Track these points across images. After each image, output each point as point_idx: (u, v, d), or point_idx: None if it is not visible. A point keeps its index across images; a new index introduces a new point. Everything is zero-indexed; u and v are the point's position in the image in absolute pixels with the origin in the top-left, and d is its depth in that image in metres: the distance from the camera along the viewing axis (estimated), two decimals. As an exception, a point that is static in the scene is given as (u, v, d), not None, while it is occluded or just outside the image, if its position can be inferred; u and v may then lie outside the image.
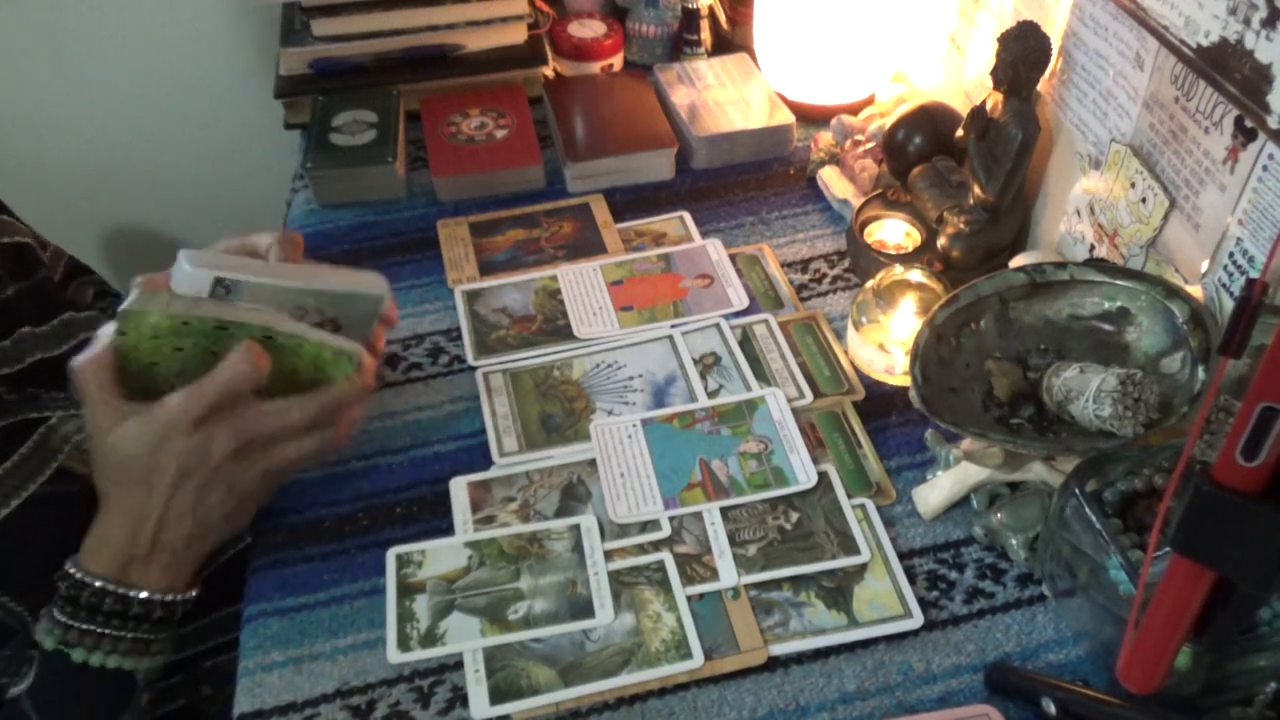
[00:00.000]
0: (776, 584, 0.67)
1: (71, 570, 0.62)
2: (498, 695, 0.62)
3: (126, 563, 0.62)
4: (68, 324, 0.74)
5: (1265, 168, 0.62)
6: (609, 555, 0.69)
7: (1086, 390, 0.65)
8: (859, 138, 1.01)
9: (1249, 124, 0.62)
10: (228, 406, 0.63)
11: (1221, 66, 0.62)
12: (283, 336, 0.66)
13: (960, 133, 0.86)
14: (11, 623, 0.64)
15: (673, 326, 0.85)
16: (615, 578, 0.67)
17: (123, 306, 0.63)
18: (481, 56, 1.11)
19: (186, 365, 0.66)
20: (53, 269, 0.83)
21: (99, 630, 0.61)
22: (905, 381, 0.77)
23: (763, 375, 0.81)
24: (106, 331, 0.64)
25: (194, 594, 0.65)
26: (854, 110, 1.06)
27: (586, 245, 0.94)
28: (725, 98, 1.07)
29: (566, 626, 0.65)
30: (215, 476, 0.63)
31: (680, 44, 1.17)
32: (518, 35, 1.11)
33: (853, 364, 0.82)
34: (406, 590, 0.67)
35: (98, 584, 0.61)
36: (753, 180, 1.02)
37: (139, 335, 0.64)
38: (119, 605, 0.61)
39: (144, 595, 0.62)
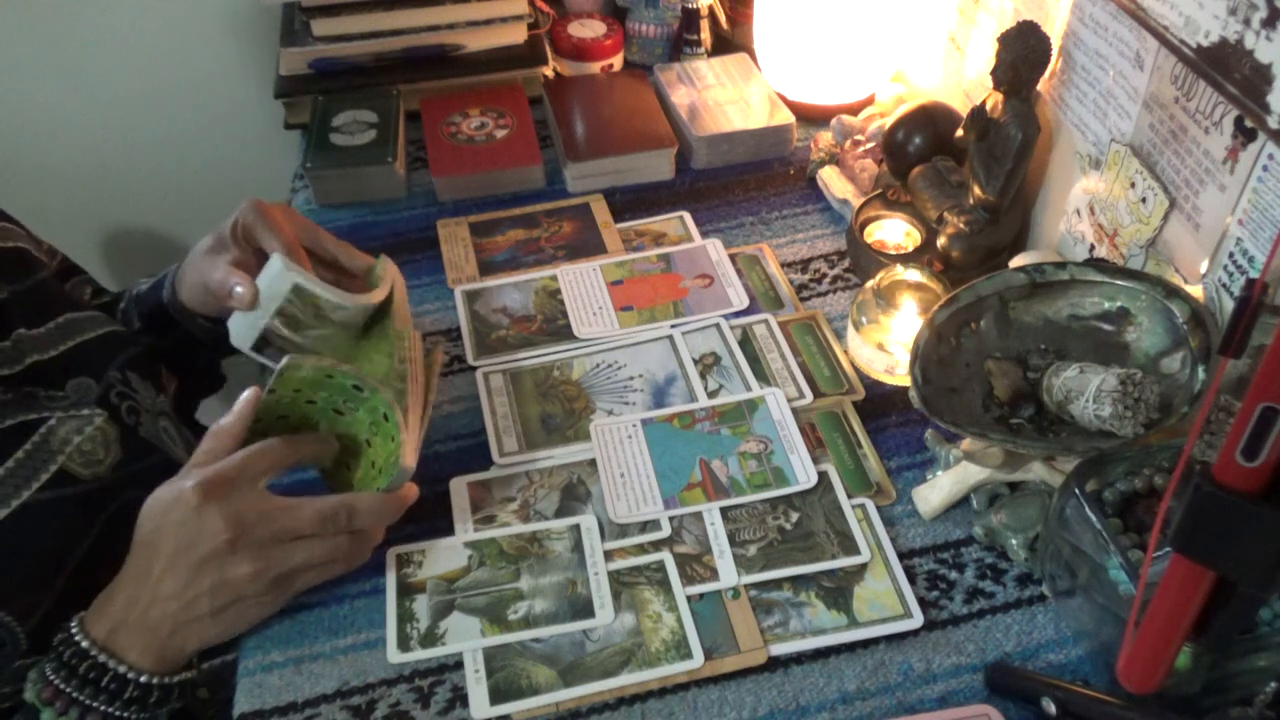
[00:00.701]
0: (776, 584, 0.67)
1: (73, 625, 0.60)
2: (498, 695, 0.62)
3: (115, 628, 0.60)
4: (65, 325, 0.74)
5: (1265, 168, 0.62)
6: (609, 555, 0.69)
7: (1086, 390, 0.65)
8: (859, 138, 1.01)
9: (1249, 124, 0.62)
10: (239, 488, 0.61)
11: (1221, 66, 0.62)
12: (389, 426, 0.67)
13: (960, 133, 0.86)
14: (0, 633, 0.63)
15: (673, 326, 0.85)
16: (615, 578, 0.67)
17: (280, 365, 0.64)
18: (481, 56, 1.11)
19: (310, 418, 0.68)
20: (53, 270, 0.83)
21: (72, 694, 0.58)
22: (905, 381, 0.77)
23: (763, 375, 0.81)
24: (247, 396, 0.66)
25: (175, 680, 0.61)
26: (854, 110, 1.06)
27: (586, 245, 0.94)
28: (725, 98, 1.07)
29: (566, 626, 0.65)
30: (210, 561, 0.60)
31: (680, 44, 1.17)
32: (518, 35, 1.11)
33: (853, 364, 0.82)
34: (406, 590, 0.67)
35: (83, 644, 0.59)
36: (753, 180, 1.02)
37: (285, 389, 0.66)
38: (93, 674, 0.59)
39: (120, 670, 0.59)
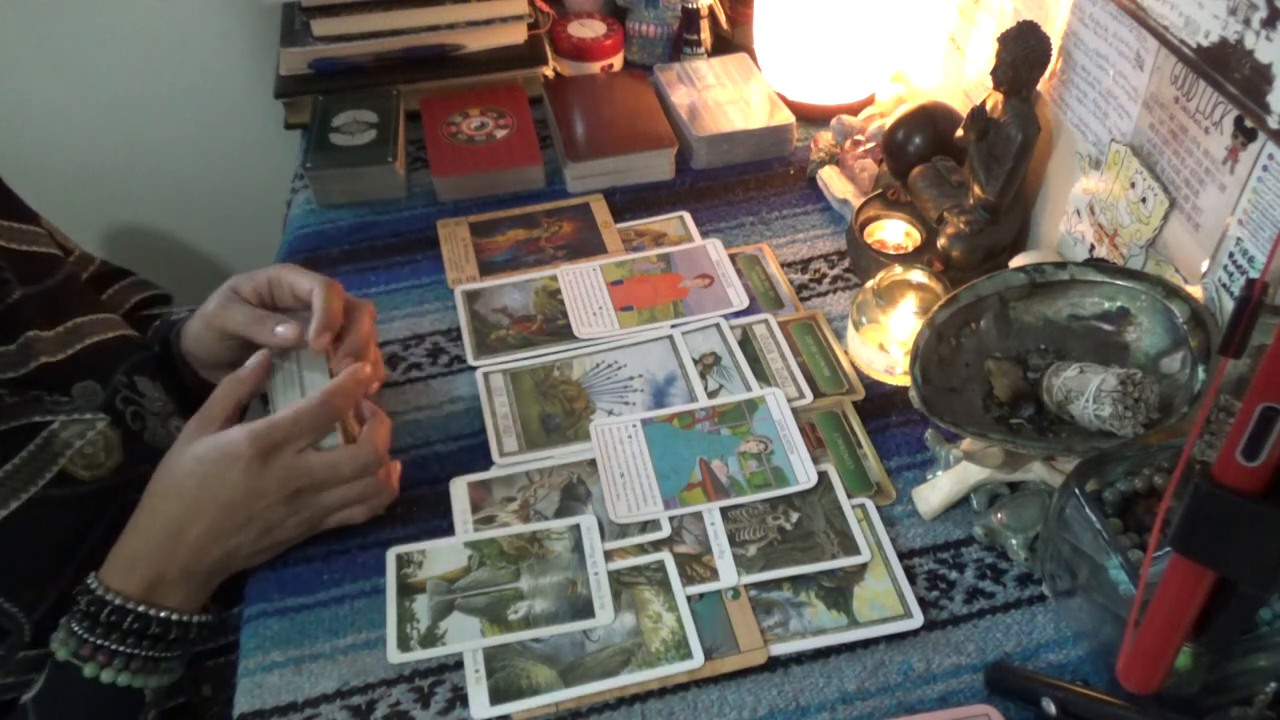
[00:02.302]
0: (776, 584, 0.67)
1: (93, 585, 0.62)
2: (498, 695, 0.62)
3: (153, 584, 0.63)
4: (75, 329, 0.74)
5: (1265, 168, 0.62)
6: (609, 555, 0.69)
7: (1086, 390, 0.65)
8: (859, 138, 1.01)
9: (1249, 124, 0.62)
10: (287, 448, 0.65)
11: (1221, 66, 0.62)
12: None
13: (960, 133, 0.86)
14: (6, 624, 0.64)
15: (673, 326, 0.85)
16: (615, 578, 0.67)
17: None
18: (481, 56, 1.11)
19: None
20: (76, 274, 0.83)
21: (113, 647, 0.61)
22: (905, 381, 0.78)
23: (763, 375, 0.81)
24: (260, 358, 0.71)
25: (208, 618, 0.66)
26: (854, 110, 1.06)
27: (586, 245, 0.94)
28: (725, 98, 1.07)
29: (566, 626, 0.65)
30: (258, 515, 0.65)
31: (680, 44, 1.17)
32: (518, 35, 1.11)
33: (853, 364, 0.82)
34: (406, 590, 0.67)
35: (118, 601, 0.62)
36: (753, 180, 1.02)
37: None
38: (138, 624, 0.62)
39: (163, 615, 0.63)
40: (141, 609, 0.62)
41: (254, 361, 0.71)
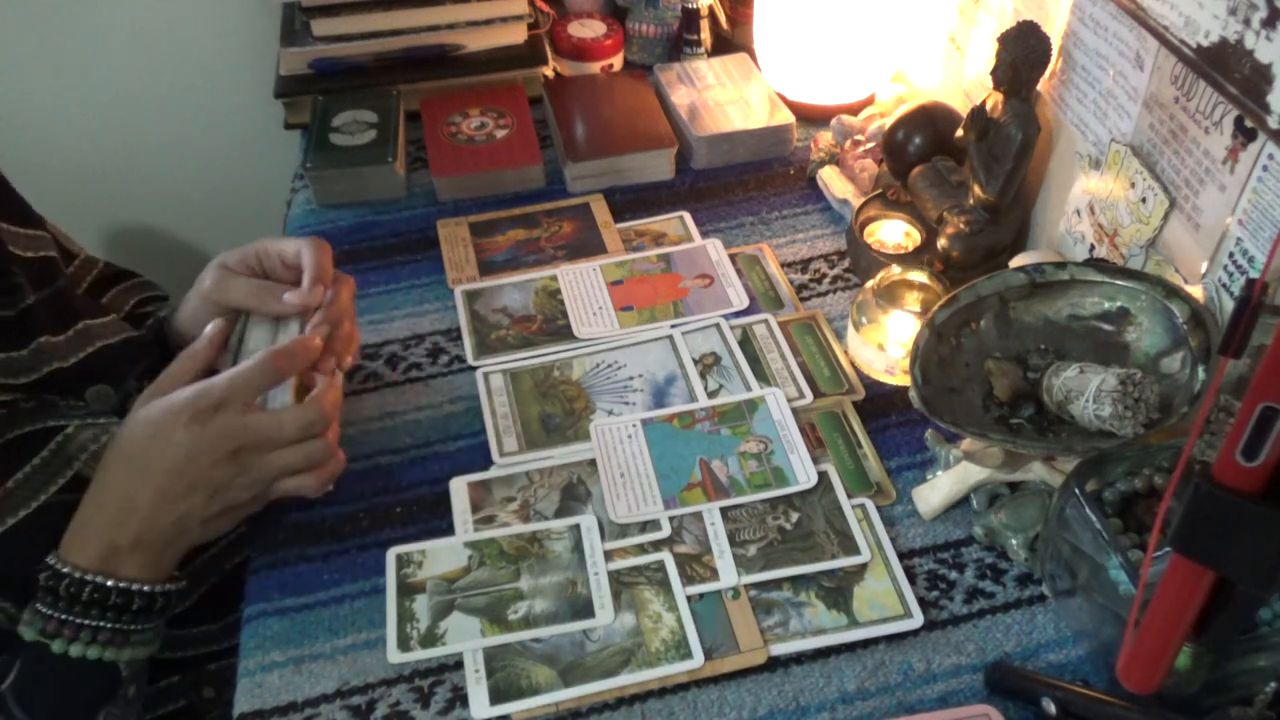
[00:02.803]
0: (776, 584, 0.67)
1: (51, 561, 0.62)
2: (498, 695, 0.62)
3: (108, 554, 0.62)
4: (84, 332, 0.74)
5: (1265, 168, 0.62)
6: (609, 555, 0.69)
7: (1086, 390, 0.65)
8: (859, 138, 1.01)
9: (1249, 124, 0.62)
10: (228, 408, 0.63)
11: (1221, 66, 0.62)
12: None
13: (960, 133, 0.86)
14: (13, 629, 0.64)
15: (673, 326, 0.85)
16: (615, 578, 0.67)
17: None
18: (481, 56, 1.11)
19: None
20: (80, 277, 0.84)
21: (77, 620, 0.60)
22: (905, 381, 0.78)
23: (763, 375, 0.81)
24: (214, 330, 0.70)
25: (175, 588, 0.65)
26: (854, 110, 1.06)
27: (586, 245, 0.94)
28: (725, 98, 1.07)
29: (566, 626, 0.65)
30: (202, 478, 0.63)
31: (680, 44, 1.17)
32: (518, 35, 1.11)
33: (853, 364, 0.82)
34: (406, 590, 0.67)
35: (76, 574, 0.61)
36: (753, 180, 1.02)
37: None
38: (97, 595, 0.61)
39: (122, 585, 0.62)
40: (99, 579, 0.61)
41: (208, 333, 0.70)
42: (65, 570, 0.61)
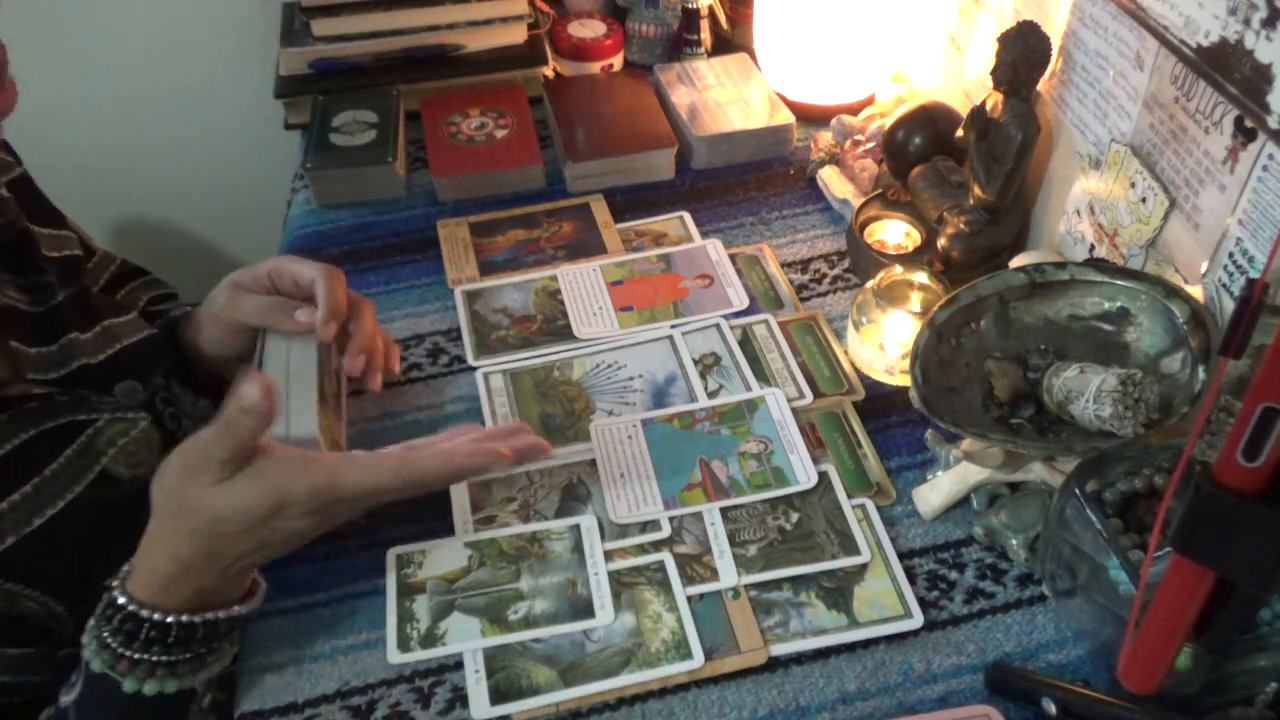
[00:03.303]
0: (776, 584, 0.67)
1: (124, 602, 0.59)
2: (498, 695, 0.62)
3: (198, 594, 0.60)
4: (109, 330, 0.75)
5: (1265, 168, 0.62)
6: (609, 555, 0.69)
7: (1086, 390, 0.65)
8: (859, 138, 1.01)
9: (1249, 124, 0.62)
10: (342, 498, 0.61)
11: (1221, 66, 0.62)
12: None
13: (960, 133, 0.86)
14: (51, 623, 0.64)
15: (673, 327, 0.85)
16: (615, 578, 0.67)
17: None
18: (481, 56, 1.11)
19: None
20: (98, 274, 0.84)
21: (154, 659, 0.58)
22: (905, 381, 0.78)
23: (763, 375, 0.81)
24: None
25: (245, 610, 0.62)
26: (854, 110, 1.06)
27: (586, 245, 0.94)
28: (725, 98, 1.07)
29: (566, 627, 0.65)
30: (296, 538, 0.61)
31: (680, 44, 1.17)
32: (518, 35, 1.11)
33: (853, 364, 0.82)
34: (406, 590, 0.67)
35: (163, 618, 0.59)
36: (753, 180, 1.02)
37: None
38: (184, 633, 0.59)
39: (209, 617, 0.60)
40: (186, 619, 0.59)
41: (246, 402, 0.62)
42: (130, 608, 0.58)
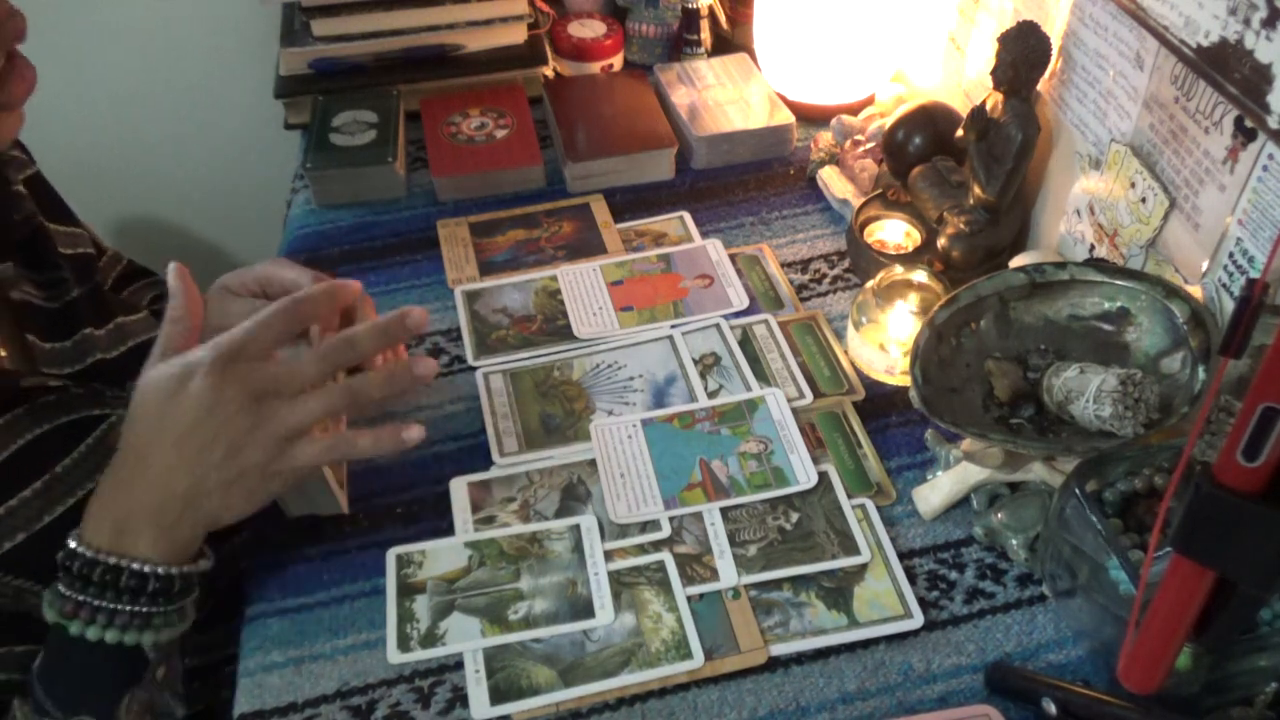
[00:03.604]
0: (776, 584, 0.67)
1: (70, 540, 0.60)
2: (498, 695, 0.62)
3: (120, 528, 0.59)
4: (121, 327, 0.76)
5: (1265, 168, 0.62)
6: (609, 555, 0.69)
7: (1086, 390, 0.65)
8: (859, 138, 1.01)
9: (1249, 124, 0.62)
10: (248, 355, 0.60)
11: (1221, 66, 0.62)
12: None
13: (960, 133, 0.86)
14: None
15: (673, 327, 0.85)
16: (615, 578, 0.67)
17: None
18: (481, 56, 1.11)
19: None
20: (107, 273, 0.85)
21: (94, 602, 0.58)
22: (905, 381, 0.78)
23: (763, 375, 0.81)
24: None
25: (196, 568, 0.62)
26: (854, 110, 1.06)
27: (586, 245, 0.94)
28: (725, 98, 1.07)
29: (566, 627, 0.65)
30: (221, 429, 0.59)
31: (680, 44, 1.17)
32: (518, 35, 1.11)
33: (853, 364, 0.82)
34: (406, 590, 0.67)
35: (89, 553, 0.59)
36: (753, 180, 1.02)
37: None
38: (109, 576, 0.58)
39: (135, 566, 0.59)
40: (112, 560, 0.58)
41: (175, 291, 0.65)
42: (80, 549, 0.59)
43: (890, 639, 0.64)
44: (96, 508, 0.60)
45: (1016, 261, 0.82)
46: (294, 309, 0.62)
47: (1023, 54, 0.79)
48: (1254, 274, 0.64)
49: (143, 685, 0.61)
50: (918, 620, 0.65)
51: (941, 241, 0.86)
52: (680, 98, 1.07)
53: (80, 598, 0.58)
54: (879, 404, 0.79)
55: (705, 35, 1.16)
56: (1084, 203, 0.81)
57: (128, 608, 0.59)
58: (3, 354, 0.68)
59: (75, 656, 0.59)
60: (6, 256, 0.70)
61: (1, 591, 0.61)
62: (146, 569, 0.59)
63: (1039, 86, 0.83)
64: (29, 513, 0.63)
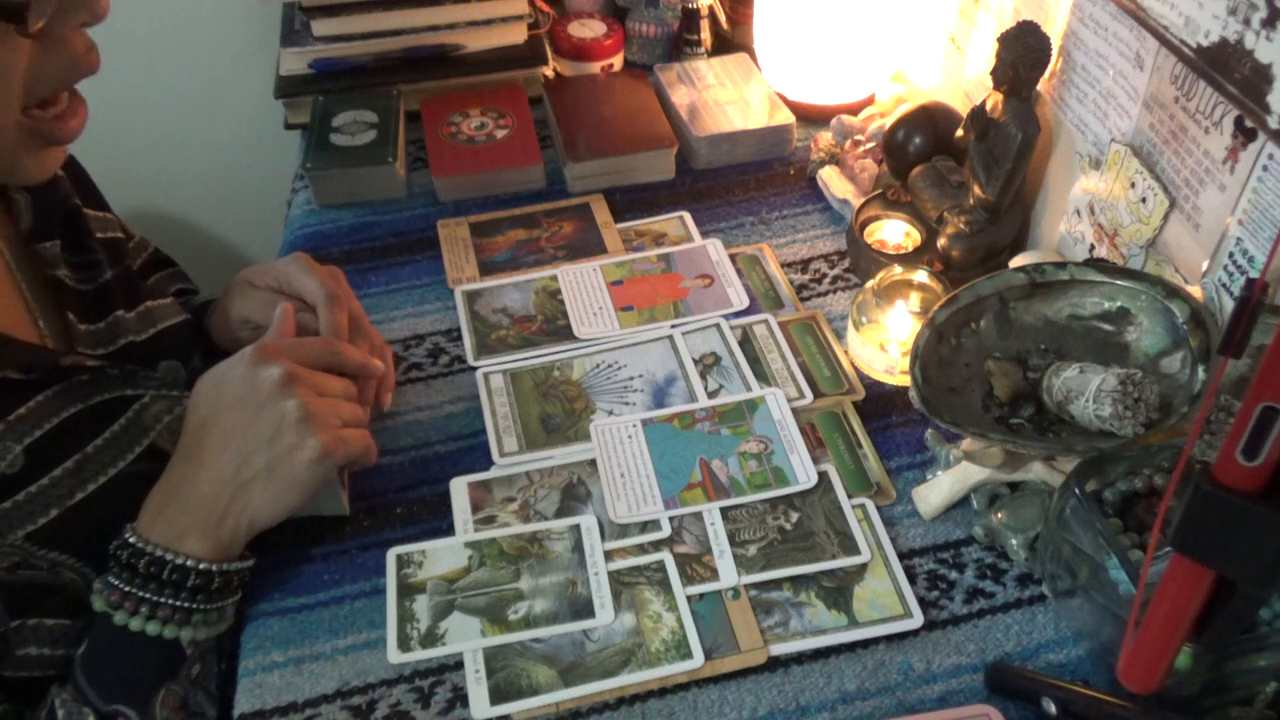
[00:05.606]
0: (776, 584, 0.67)
1: (125, 532, 0.63)
2: (498, 695, 0.62)
3: (167, 524, 0.62)
4: (151, 311, 0.77)
5: (1265, 168, 0.62)
6: (609, 555, 0.69)
7: (1086, 390, 0.65)
8: (859, 138, 1.01)
9: (1249, 124, 0.62)
10: (284, 357, 0.66)
11: (1221, 66, 0.62)
12: None
13: (960, 133, 0.86)
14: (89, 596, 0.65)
15: (673, 326, 0.85)
16: (615, 578, 0.67)
17: None
18: (481, 56, 1.11)
19: None
20: (134, 258, 0.86)
21: (139, 594, 0.61)
22: (905, 381, 0.78)
23: (763, 375, 0.81)
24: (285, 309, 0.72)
25: (236, 567, 0.64)
26: (854, 110, 1.06)
27: (586, 245, 0.94)
28: (725, 98, 1.07)
29: (567, 626, 0.65)
30: (262, 409, 0.63)
31: (680, 44, 1.17)
32: (518, 35, 1.11)
33: (853, 364, 0.82)
34: (407, 590, 0.67)
35: (139, 544, 0.62)
36: (753, 180, 1.02)
37: None
38: (154, 568, 0.61)
39: (178, 561, 0.61)
40: (158, 553, 0.61)
41: (277, 323, 0.72)
42: (132, 541, 0.62)
43: (890, 639, 0.64)
44: (151, 501, 0.64)
45: (1016, 261, 0.82)
46: (331, 354, 0.70)
47: (1023, 54, 0.79)
48: (1254, 274, 0.64)
49: (178, 681, 0.62)
50: (918, 620, 0.65)
51: (941, 241, 0.86)
52: (680, 98, 1.07)
53: (126, 588, 0.61)
54: (879, 404, 0.79)
55: (705, 35, 1.16)
56: (1084, 203, 0.81)
57: (169, 601, 0.61)
58: (45, 331, 0.70)
59: (117, 646, 0.61)
60: (52, 235, 0.72)
61: (37, 564, 0.62)
62: (189, 563, 0.62)
63: (1039, 86, 0.83)
64: (61, 490, 0.64)
